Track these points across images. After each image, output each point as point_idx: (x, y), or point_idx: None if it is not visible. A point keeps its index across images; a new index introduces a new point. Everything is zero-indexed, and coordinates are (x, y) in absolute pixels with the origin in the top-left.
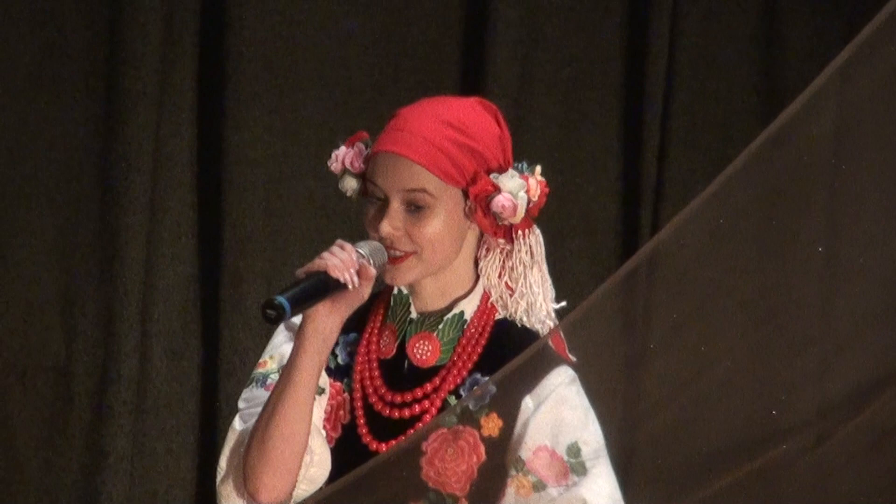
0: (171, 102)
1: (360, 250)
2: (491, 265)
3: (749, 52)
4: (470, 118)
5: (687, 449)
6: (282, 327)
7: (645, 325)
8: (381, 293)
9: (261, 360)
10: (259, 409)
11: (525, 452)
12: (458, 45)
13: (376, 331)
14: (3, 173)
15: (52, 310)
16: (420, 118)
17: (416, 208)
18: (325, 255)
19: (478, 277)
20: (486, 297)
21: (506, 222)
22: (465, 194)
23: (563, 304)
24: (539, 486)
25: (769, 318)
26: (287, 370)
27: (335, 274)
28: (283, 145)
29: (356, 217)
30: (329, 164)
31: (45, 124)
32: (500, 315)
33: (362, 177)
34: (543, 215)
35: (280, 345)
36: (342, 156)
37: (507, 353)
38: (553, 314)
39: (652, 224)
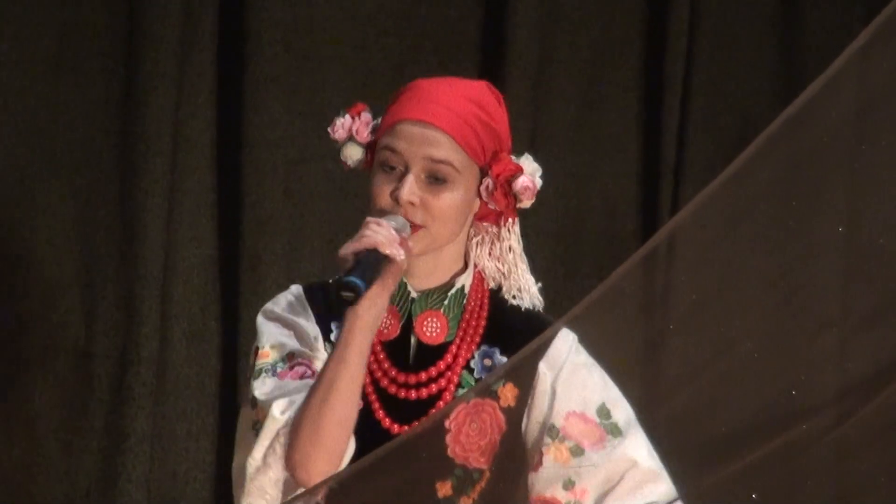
0: (191, 84)
1: (391, 224)
2: (482, 246)
3: (769, 34)
4: (487, 99)
5: (706, 429)
6: (263, 318)
7: (664, 307)
8: None
9: (261, 352)
10: (291, 397)
11: (557, 419)
12: (477, 26)
13: None
14: (23, 155)
15: (71, 291)
16: (445, 92)
17: (436, 180)
18: (368, 232)
19: (466, 254)
20: (478, 272)
21: (522, 204)
22: (482, 173)
23: (539, 284)
24: (577, 451)
25: (789, 298)
26: (339, 353)
27: (385, 249)
28: (302, 127)
29: None
30: (331, 131)
31: (64, 105)
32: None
33: (367, 147)
34: (563, 196)
35: (276, 335)
36: (348, 124)
37: (508, 321)
38: (540, 297)
39: (671, 205)
